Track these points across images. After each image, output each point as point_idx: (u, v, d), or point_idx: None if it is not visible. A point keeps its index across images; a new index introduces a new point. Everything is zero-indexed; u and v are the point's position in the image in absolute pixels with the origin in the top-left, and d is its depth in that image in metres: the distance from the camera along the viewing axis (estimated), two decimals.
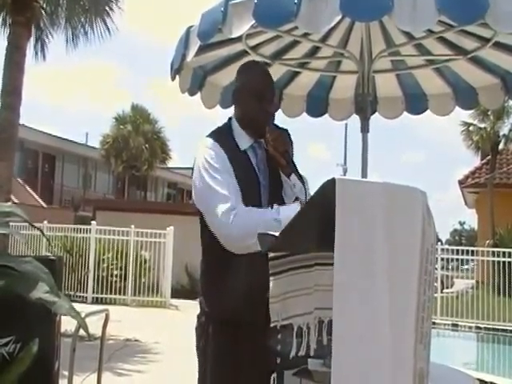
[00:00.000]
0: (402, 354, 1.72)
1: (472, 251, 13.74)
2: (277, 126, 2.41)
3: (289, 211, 2.03)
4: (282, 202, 2.29)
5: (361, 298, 1.66)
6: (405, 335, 1.73)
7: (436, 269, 13.12)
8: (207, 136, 2.37)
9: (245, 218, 2.11)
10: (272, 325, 2.01)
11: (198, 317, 2.39)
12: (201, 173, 2.24)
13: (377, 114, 4.40)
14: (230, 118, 2.46)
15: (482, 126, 23.19)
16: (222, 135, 2.35)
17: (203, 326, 2.33)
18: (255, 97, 2.36)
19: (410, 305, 1.74)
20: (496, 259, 12.77)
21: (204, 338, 2.31)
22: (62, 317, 2.97)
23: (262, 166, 2.36)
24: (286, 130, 2.42)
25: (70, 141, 30.35)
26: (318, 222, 1.86)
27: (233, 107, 2.51)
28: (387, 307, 1.70)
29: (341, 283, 1.65)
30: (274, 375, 2.29)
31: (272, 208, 2.14)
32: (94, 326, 1.86)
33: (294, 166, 2.34)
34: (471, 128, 23.59)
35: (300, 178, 2.33)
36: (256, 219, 2.10)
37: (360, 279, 1.67)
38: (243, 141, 2.36)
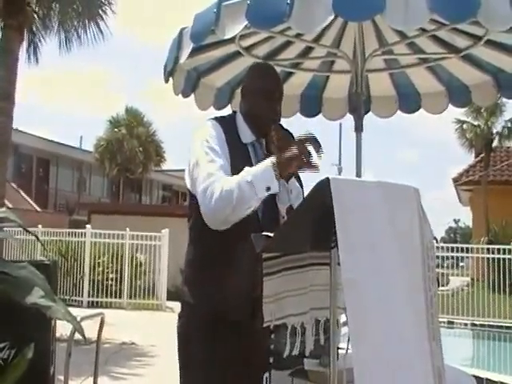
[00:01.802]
0: (420, 352, 1.71)
1: (467, 248, 13.78)
2: (282, 127, 2.39)
3: (257, 171, 2.06)
4: (275, 208, 2.25)
5: (374, 295, 1.66)
6: (419, 332, 1.72)
7: None
8: (211, 118, 2.38)
9: (217, 191, 2.07)
10: (265, 324, 2.00)
11: (180, 316, 2.33)
12: (197, 150, 2.24)
13: (370, 113, 4.41)
14: (234, 112, 2.48)
15: (476, 123, 23.29)
16: (226, 123, 2.36)
17: (186, 326, 2.29)
18: (264, 95, 2.36)
19: (420, 302, 1.74)
20: (491, 256, 12.81)
21: (187, 339, 2.27)
22: (58, 321, 2.96)
23: None
24: (291, 134, 2.39)
25: (64, 145, 30.27)
26: (313, 221, 1.86)
27: (236, 103, 2.51)
28: (402, 304, 1.70)
29: (350, 281, 1.63)
30: (267, 375, 2.28)
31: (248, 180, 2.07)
32: (90, 329, 1.85)
33: None
34: (465, 126, 23.70)
35: (300, 183, 2.31)
36: (229, 189, 2.06)
37: (369, 276, 1.66)
38: (245, 135, 2.36)
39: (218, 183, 2.09)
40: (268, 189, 2.03)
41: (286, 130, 2.40)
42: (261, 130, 2.34)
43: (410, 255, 1.77)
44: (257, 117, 2.35)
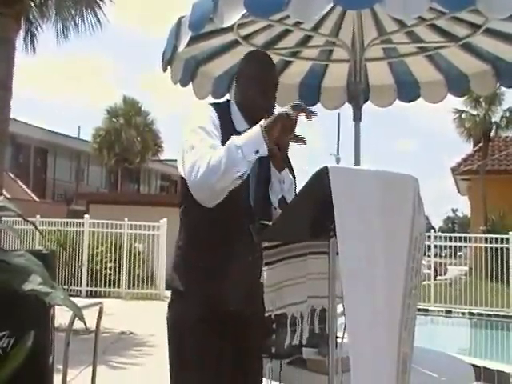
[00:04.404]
0: (389, 339, 1.73)
1: (465, 238, 13.81)
2: None
3: (245, 135, 2.05)
4: (267, 197, 2.23)
5: (366, 285, 1.67)
6: (392, 321, 1.74)
7: (429, 256, 13.18)
8: (209, 103, 2.36)
9: (205, 162, 2.03)
10: (266, 314, 2.00)
11: (170, 306, 2.29)
12: (190, 131, 2.20)
13: (369, 102, 4.40)
14: (228, 100, 2.44)
15: (475, 113, 23.27)
16: (220, 109, 2.32)
17: (177, 319, 2.25)
18: (257, 83, 2.31)
19: (397, 292, 1.75)
20: (489, 245, 12.84)
21: (179, 333, 2.23)
22: (56, 311, 2.96)
23: None
24: None
25: (62, 134, 30.19)
26: (312, 210, 1.86)
27: (232, 91, 2.47)
28: (386, 294, 1.71)
29: (349, 270, 1.64)
30: (270, 365, 2.28)
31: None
32: (89, 319, 1.84)
33: (288, 160, 2.30)
34: (463, 115, 23.69)
35: (292, 172, 2.28)
36: (217, 158, 2.02)
37: (365, 266, 1.67)
38: (239, 123, 2.31)
39: (206, 156, 2.05)
40: (256, 152, 2.02)
41: None
42: (253, 119, 2.27)
43: (396, 245, 1.77)
44: (249, 105, 2.32)
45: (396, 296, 1.76)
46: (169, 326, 2.28)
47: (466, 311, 12.20)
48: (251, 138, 2.04)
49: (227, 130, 2.23)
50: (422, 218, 1.88)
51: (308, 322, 2.07)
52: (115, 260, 13.31)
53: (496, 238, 12.67)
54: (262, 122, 2.06)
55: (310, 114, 2.07)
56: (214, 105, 2.36)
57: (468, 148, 24.70)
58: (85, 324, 1.77)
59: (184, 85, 3.73)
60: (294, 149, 2.37)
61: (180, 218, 2.32)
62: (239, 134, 2.26)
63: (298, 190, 2.17)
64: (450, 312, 12.24)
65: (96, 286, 13.23)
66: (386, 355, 1.73)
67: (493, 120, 23.15)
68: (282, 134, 2.06)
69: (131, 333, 8.54)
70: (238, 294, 2.16)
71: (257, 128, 2.05)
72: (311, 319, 2.07)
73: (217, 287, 2.16)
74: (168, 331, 2.28)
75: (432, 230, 15.05)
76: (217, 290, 2.16)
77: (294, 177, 2.28)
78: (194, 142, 2.14)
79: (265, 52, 2.79)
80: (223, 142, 2.15)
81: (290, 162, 2.32)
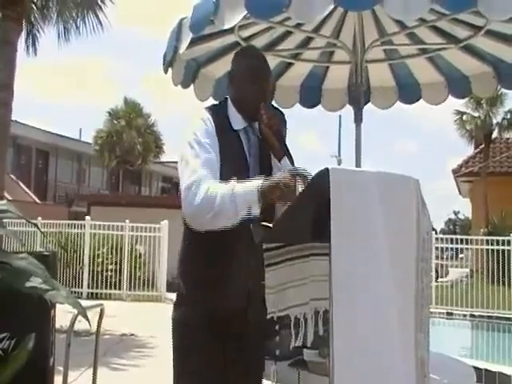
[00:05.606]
0: (404, 342, 1.72)
1: (466, 240, 13.79)
2: (273, 106, 2.36)
3: (242, 188, 2.02)
4: None
5: (362, 286, 1.66)
6: (406, 323, 1.73)
7: (430, 258, 13.15)
8: (204, 108, 2.34)
9: (201, 194, 2.05)
10: (268, 316, 1.99)
11: (176, 305, 2.26)
12: (184, 144, 2.20)
13: (370, 103, 4.40)
14: (225, 99, 2.41)
15: (476, 114, 23.26)
16: (217, 112, 2.31)
17: (182, 322, 2.22)
18: (250, 75, 2.30)
19: (410, 293, 1.74)
20: (490, 247, 12.81)
21: (184, 332, 2.21)
22: (57, 313, 2.96)
23: (253, 151, 2.29)
24: (281, 112, 2.38)
25: (64, 136, 30.21)
26: (312, 211, 1.85)
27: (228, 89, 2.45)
28: (391, 295, 1.70)
29: (340, 272, 1.63)
30: (274, 367, 2.28)
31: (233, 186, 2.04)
32: (90, 321, 1.84)
33: (287, 148, 2.29)
34: (465, 117, 23.66)
35: (291, 160, 2.28)
36: (212, 196, 2.03)
37: (360, 267, 1.66)
38: (237, 122, 2.30)
39: (204, 184, 2.06)
40: (249, 208, 2.01)
41: (277, 108, 2.38)
42: (250, 113, 2.29)
43: (403, 246, 1.77)
44: (244, 100, 2.30)
45: (408, 297, 1.75)
46: (173, 328, 2.27)
47: (468, 313, 12.18)
48: (246, 196, 2.01)
49: (224, 132, 2.23)
50: (426, 218, 1.88)
51: (312, 325, 2.06)
52: (116, 262, 13.29)
53: (497, 240, 12.64)
54: (260, 183, 2.01)
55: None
56: (212, 107, 2.36)
57: (469, 150, 24.70)
58: (88, 322, 1.75)
59: (185, 86, 3.73)
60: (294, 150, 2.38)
61: (183, 225, 2.31)
62: (236, 132, 2.29)
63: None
64: (451, 314, 12.22)
65: (97, 288, 13.21)
66: (401, 359, 1.71)
67: (494, 122, 23.13)
68: (279, 201, 2.02)
69: (132, 334, 8.52)
70: (241, 297, 2.16)
71: (253, 187, 2.01)
72: (315, 321, 2.07)
73: (220, 290, 2.16)
74: (172, 333, 2.27)
75: (433, 232, 15.04)
76: (220, 293, 2.16)
77: (292, 164, 2.27)
78: (189, 159, 2.15)
79: (253, 46, 2.80)
80: (220, 143, 2.17)
81: (288, 151, 2.30)
